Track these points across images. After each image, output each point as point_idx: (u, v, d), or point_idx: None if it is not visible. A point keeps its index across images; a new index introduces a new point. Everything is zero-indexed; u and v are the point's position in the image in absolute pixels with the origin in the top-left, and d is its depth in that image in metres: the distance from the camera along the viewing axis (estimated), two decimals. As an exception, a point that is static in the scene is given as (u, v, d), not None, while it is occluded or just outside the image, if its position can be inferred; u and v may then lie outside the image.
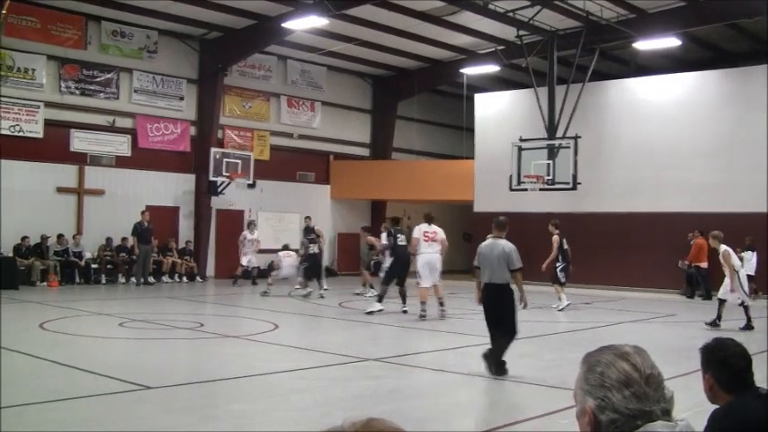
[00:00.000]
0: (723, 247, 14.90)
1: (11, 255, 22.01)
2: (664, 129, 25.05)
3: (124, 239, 24.34)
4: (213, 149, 26.26)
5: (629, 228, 25.14)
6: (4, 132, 22.65)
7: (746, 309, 15.00)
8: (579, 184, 22.99)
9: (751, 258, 21.94)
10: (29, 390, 8.80)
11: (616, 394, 2.03)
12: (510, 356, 10.28)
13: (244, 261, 24.47)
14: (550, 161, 23.27)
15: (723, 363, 3.62)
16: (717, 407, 3.56)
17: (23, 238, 22.37)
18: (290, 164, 30.17)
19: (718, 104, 24.26)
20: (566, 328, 15.63)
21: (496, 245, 10.33)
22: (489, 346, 10.29)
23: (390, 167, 31.95)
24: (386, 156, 32.88)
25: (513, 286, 10.39)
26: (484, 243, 10.58)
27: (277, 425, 7.59)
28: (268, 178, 28.38)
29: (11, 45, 22.77)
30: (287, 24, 23.56)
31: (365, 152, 33.11)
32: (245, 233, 24.82)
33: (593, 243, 25.13)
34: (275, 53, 28.84)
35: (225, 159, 26.30)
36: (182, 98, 26.89)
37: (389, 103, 32.84)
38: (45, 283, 22.31)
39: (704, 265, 22.72)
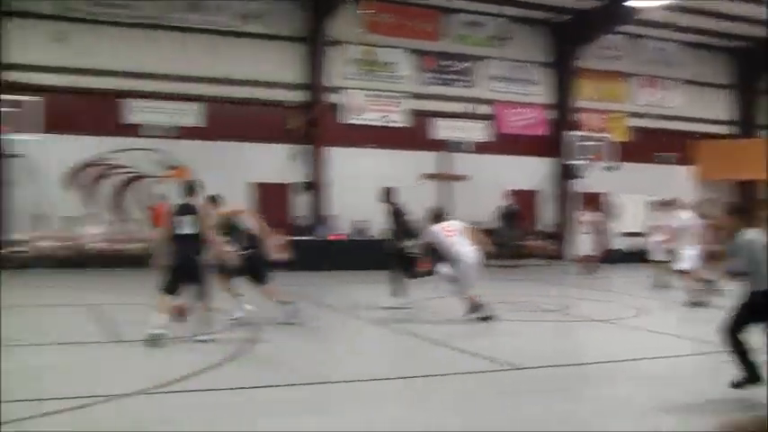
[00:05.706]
0: None
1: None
2: None
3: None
4: (569, 132, 26.09)
5: None
6: (375, 123, 24.42)
7: None
8: None
9: None
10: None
11: None
12: None
13: None
14: None
15: None
16: None
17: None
18: (648, 145, 29.01)
19: None
20: None
21: None
22: None
23: (761, 146, 29.45)
24: (752, 133, 30.50)
25: None
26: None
27: (636, 410, 7.05)
28: (626, 160, 27.28)
29: (373, 41, 24.36)
30: (634, 3, 23.05)
31: (729, 130, 31.02)
32: None
33: None
34: (628, 32, 28.00)
35: (582, 142, 25.92)
36: (536, 83, 27.07)
37: (752, 76, 30.61)
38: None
39: None
